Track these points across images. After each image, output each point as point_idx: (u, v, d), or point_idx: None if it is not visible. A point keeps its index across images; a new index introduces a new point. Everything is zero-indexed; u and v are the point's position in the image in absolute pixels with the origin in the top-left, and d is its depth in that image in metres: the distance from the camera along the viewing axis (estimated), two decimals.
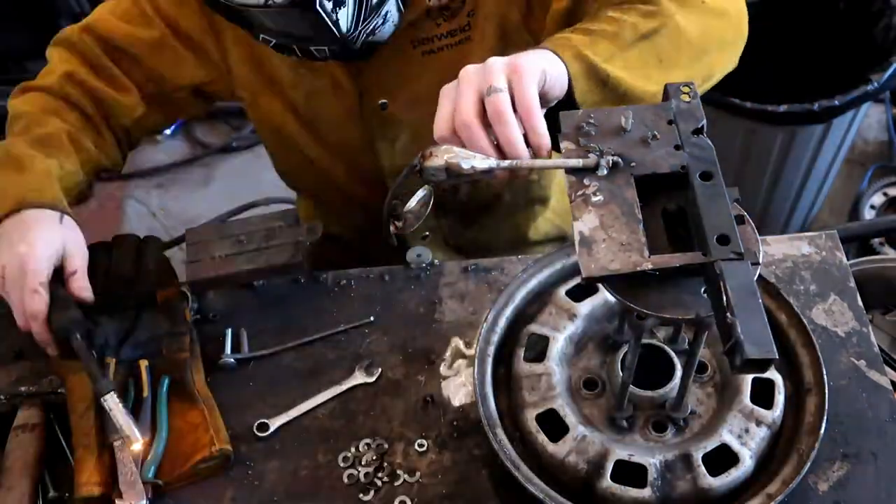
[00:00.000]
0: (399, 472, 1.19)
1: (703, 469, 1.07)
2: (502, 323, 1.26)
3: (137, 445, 1.16)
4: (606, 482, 1.07)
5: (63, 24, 3.14)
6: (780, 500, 1.05)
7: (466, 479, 1.18)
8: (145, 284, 1.33)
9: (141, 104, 1.43)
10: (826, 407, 1.12)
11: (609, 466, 1.08)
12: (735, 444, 1.10)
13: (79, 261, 1.26)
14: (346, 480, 1.19)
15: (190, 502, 1.17)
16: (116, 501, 1.14)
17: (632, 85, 1.09)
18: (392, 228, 1.27)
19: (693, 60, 1.16)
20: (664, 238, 0.92)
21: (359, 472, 1.19)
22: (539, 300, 1.29)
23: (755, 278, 0.84)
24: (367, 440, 1.22)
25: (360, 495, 1.17)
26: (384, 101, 1.39)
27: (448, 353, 1.30)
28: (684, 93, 0.99)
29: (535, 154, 1.01)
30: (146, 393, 1.23)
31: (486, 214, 1.64)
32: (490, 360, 1.22)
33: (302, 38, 1.22)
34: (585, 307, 1.24)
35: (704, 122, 0.96)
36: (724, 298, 0.81)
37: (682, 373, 1.12)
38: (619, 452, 1.09)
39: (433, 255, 1.43)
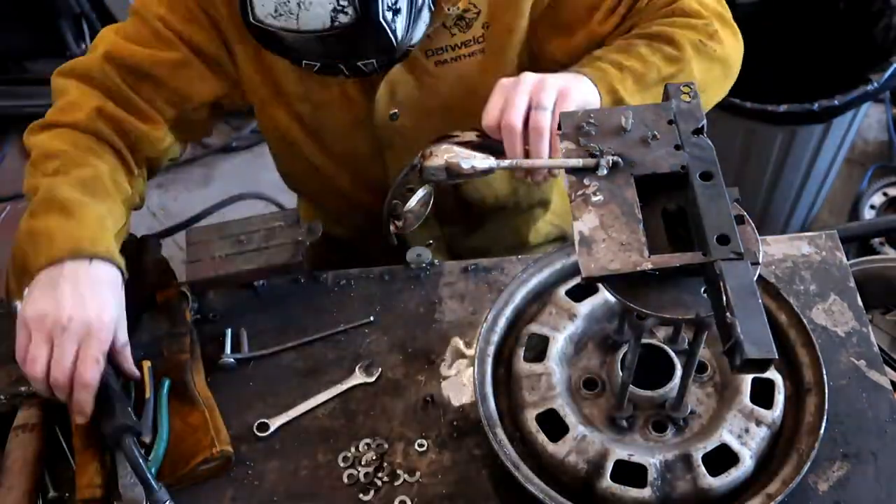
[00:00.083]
0: (399, 472, 1.19)
1: (703, 469, 1.07)
2: (502, 323, 1.26)
3: None
4: (606, 482, 1.07)
5: (63, 24, 3.16)
6: (780, 500, 1.05)
7: (466, 479, 1.18)
8: (145, 285, 1.33)
9: (168, 134, 1.38)
10: (826, 407, 1.12)
11: (609, 466, 1.08)
12: (735, 444, 1.10)
13: (125, 333, 1.20)
14: (346, 480, 1.19)
15: (190, 502, 1.17)
16: None
17: None
18: (392, 228, 1.28)
19: None
20: (664, 238, 0.93)
21: (359, 472, 1.19)
22: (539, 300, 1.29)
23: (755, 278, 0.84)
24: (367, 440, 1.22)
25: (360, 495, 1.17)
26: (395, 111, 1.39)
27: (448, 353, 1.30)
28: (684, 93, 0.99)
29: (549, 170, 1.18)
30: (148, 394, 1.23)
31: (489, 221, 1.64)
32: (490, 360, 1.22)
33: (351, 55, 1.20)
34: (585, 307, 1.24)
35: (704, 122, 0.96)
36: (724, 298, 0.82)
37: (682, 373, 1.12)
38: (619, 452, 1.09)
39: (445, 263, 1.43)
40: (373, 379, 1.29)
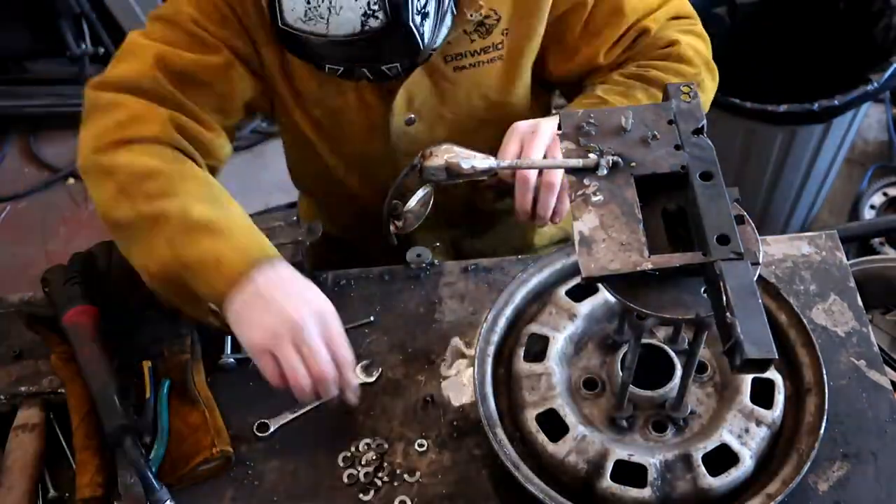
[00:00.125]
0: (399, 472, 1.19)
1: (703, 469, 1.07)
2: (502, 323, 1.26)
3: None
4: (606, 482, 1.07)
5: (63, 24, 3.15)
6: (780, 500, 1.05)
7: (466, 479, 1.18)
8: (146, 285, 1.33)
9: (227, 142, 1.36)
10: (826, 407, 1.12)
11: (609, 466, 1.08)
12: (735, 444, 1.10)
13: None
14: (346, 480, 1.19)
15: (190, 502, 1.17)
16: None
17: None
18: (392, 228, 1.28)
19: None
20: (664, 238, 0.92)
21: (359, 472, 1.19)
22: (539, 300, 1.29)
23: (755, 278, 0.84)
24: (367, 440, 1.22)
25: (360, 495, 1.17)
26: (411, 116, 1.39)
27: (448, 353, 1.30)
28: (684, 93, 0.99)
29: (550, 219, 1.25)
30: (148, 395, 1.23)
31: (497, 224, 1.64)
32: (490, 360, 1.22)
33: (377, 59, 1.20)
34: (585, 307, 1.24)
35: (704, 122, 0.96)
36: (724, 298, 0.81)
37: (682, 373, 1.12)
38: (619, 452, 1.09)
39: (445, 263, 1.43)
40: (373, 379, 1.29)
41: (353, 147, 1.46)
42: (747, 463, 1.09)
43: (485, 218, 1.62)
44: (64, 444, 1.24)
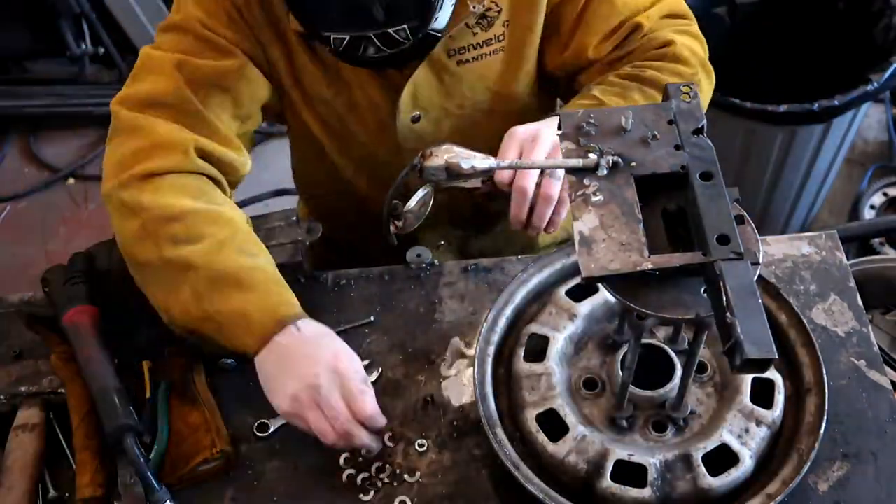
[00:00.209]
0: (399, 472, 1.19)
1: (703, 469, 1.07)
2: (502, 323, 1.26)
3: None
4: (606, 482, 1.07)
5: (63, 24, 3.16)
6: (780, 500, 1.05)
7: (466, 479, 1.18)
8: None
9: (249, 159, 1.35)
10: (826, 407, 1.12)
11: (609, 466, 1.08)
12: (735, 444, 1.10)
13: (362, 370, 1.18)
14: (345, 480, 1.19)
15: (190, 502, 1.17)
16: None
17: None
18: (392, 228, 1.28)
19: None
20: (664, 238, 0.92)
21: (358, 472, 1.19)
22: (539, 300, 1.29)
23: (755, 278, 0.84)
24: None
25: (360, 495, 1.17)
26: (417, 113, 1.39)
27: (448, 353, 1.30)
28: (684, 93, 0.99)
29: (545, 229, 1.24)
30: (148, 395, 1.23)
31: (501, 224, 1.64)
32: (490, 360, 1.22)
33: (389, 16, 1.17)
34: (585, 307, 1.24)
35: (704, 122, 0.96)
36: (724, 298, 0.81)
37: (682, 373, 1.12)
38: (619, 452, 1.09)
39: (439, 261, 1.43)
40: (373, 379, 1.29)
41: (361, 147, 1.46)
42: (747, 463, 1.09)
43: (490, 218, 1.62)
44: (64, 444, 1.24)
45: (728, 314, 0.80)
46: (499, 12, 1.32)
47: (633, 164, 0.94)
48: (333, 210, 1.68)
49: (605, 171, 0.94)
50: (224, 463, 1.20)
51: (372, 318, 1.36)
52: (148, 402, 1.23)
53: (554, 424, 1.13)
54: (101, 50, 3.24)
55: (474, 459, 1.19)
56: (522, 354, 1.20)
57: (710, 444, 1.09)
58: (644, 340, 1.10)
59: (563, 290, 1.26)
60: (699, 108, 0.98)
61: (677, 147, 0.95)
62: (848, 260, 1.38)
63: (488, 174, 1.21)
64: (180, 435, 1.21)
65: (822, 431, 1.10)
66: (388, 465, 1.19)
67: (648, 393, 1.15)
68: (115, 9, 3.16)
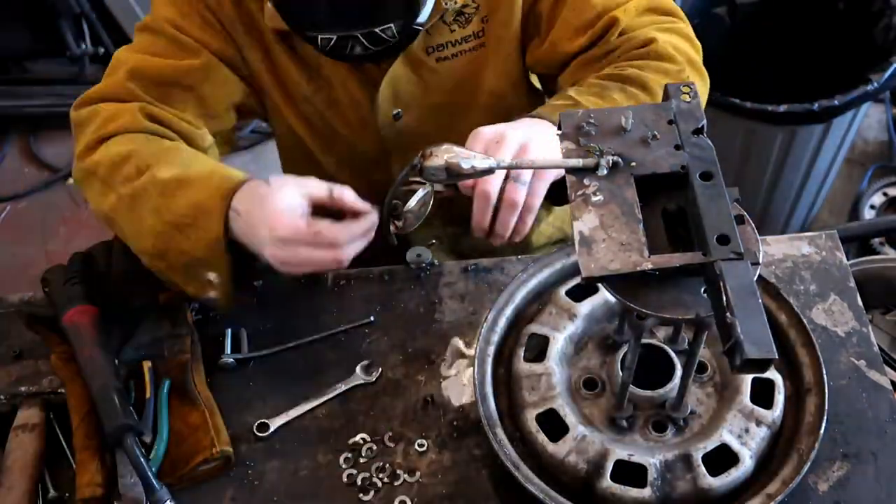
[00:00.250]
0: (399, 472, 1.19)
1: (703, 469, 1.07)
2: (502, 323, 1.26)
3: None
4: (606, 482, 1.07)
5: (63, 24, 3.16)
6: (780, 500, 1.05)
7: (466, 479, 1.18)
8: (146, 285, 1.33)
9: (209, 134, 1.37)
10: (826, 407, 1.12)
11: (609, 466, 1.08)
12: (735, 444, 1.10)
13: (319, 183, 1.17)
14: (345, 480, 1.19)
15: (190, 502, 1.17)
16: None
17: None
18: (392, 228, 1.28)
19: None
20: (664, 238, 0.92)
21: (359, 472, 1.19)
22: (539, 300, 1.29)
23: (755, 278, 0.84)
24: (368, 440, 1.22)
25: (360, 495, 1.17)
26: (398, 111, 1.39)
27: (448, 353, 1.30)
28: (684, 93, 0.98)
29: (510, 238, 1.19)
30: (148, 395, 1.23)
31: None
32: (490, 360, 1.22)
33: (374, 14, 1.18)
34: (585, 307, 1.24)
35: (704, 122, 0.96)
36: (724, 298, 0.81)
37: (682, 373, 1.12)
38: (619, 452, 1.09)
39: (438, 261, 1.43)
40: (373, 379, 1.29)
41: (344, 145, 1.46)
42: (747, 463, 1.09)
43: None
44: (64, 444, 1.24)
45: (728, 314, 0.80)
46: (476, 8, 1.32)
47: (633, 164, 0.94)
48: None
49: (605, 171, 0.93)
50: (224, 463, 1.20)
51: (372, 318, 1.36)
52: (148, 402, 1.23)
53: (554, 424, 1.13)
54: (101, 50, 3.24)
55: (474, 459, 1.19)
56: (522, 354, 1.20)
57: (710, 444, 1.09)
58: (644, 340, 1.10)
59: (563, 290, 1.26)
60: (699, 107, 0.98)
61: (677, 147, 0.95)
62: (848, 260, 1.38)
63: (488, 174, 1.20)
64: (180, 435, 1.21)
65: (822, 431, 1.10)
66: (388, 465, 1.19)
67: (648, 393, 1.15)
68: (115, 9, 3.16)
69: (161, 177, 1.19)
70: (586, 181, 0.94)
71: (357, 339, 1.34)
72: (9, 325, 1.37)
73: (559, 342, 1.21)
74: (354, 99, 1.38)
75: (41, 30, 3.24)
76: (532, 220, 1.16)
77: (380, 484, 1.18)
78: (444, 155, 1.08)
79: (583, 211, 0.91)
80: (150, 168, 1.21)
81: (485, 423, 1.13)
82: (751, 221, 0.93)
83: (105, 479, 1.16)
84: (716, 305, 0.84)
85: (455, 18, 1.32)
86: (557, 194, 1.19)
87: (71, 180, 3.25)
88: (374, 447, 1.21)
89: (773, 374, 1.16)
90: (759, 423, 1.12)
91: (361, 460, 1.20)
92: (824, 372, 1.16)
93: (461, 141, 1.22)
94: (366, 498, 1.17)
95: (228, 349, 1.32)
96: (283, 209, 1.12)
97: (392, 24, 1.19)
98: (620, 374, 1.14)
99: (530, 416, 1.14)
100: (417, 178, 1.11)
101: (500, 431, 1.13)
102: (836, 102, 2.21)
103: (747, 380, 1.15)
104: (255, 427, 1.24)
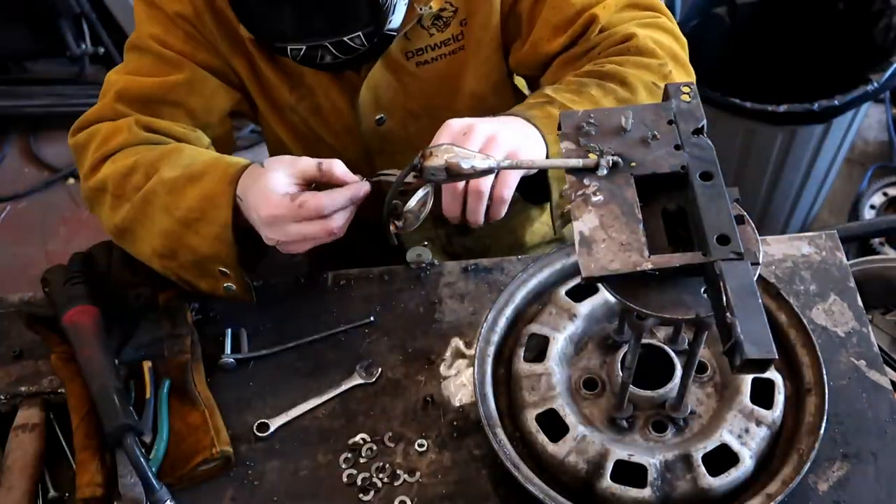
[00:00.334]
0: (399, 472, 1.19)
1: (703, 469, 1.07)
2: (502, 323, 1.26)
3: None
4: (606, 482, 1.07)
5: (63, 24, 3.15)
6: (780, 500, 1.05)
7: (466, 479, 1.18)
8: (146, 285, 1.33)
9: (205, 136, 1.38)
10: (826, 407, 1.12)
11: (609, 466, 1.08)
12: (735, 444, 1.10)
13: (309, 160, 1.18)
14: (345, 480, 1.19)
15: (190, 502, 1.17)
16: None
17: None
18: (392, 228, 1.28)
19: None
20: (664, 238, 0.92)
21: (359, 472, 1.19)
22: (539, 300, 1.29)
23: (755, 278, 0.84)
24: (368, 440, 1.22)
25: (360, 495, 1.17)
26: (381, 116, 1.39)
27: (448, 353, 1.30)
28: (684, 93, 0.99)
29: (486, 221, 1.17)
30: (149, 395, 1.23)
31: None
32: (490, 360, 1.22)
33: (339, 25, 1.19)
34: (585, 307, 1.24)
35: (704, 122, 0.96)
36: (724, 298, 0.81)
37: (682, 373, 1.12)
38: (619, 452, 1.09)
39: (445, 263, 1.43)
40: (373, 379, 1.29)
41: (330, 151, 1.46)
42: (747, 463, 1.09)
43: None
44: (64, 444, 1.24)
45: (728, 314, 0.80)
46: (454, 12, 1.32)
47: (633, 164, 0.94)
48: None
49: (605, 171, 0.93)
50: (224, 463, 1.20)
51: (372, 318, 1.36)
52: (148, 402, 1.23)
53: (554, 424, 1.13)
54: (101, 50, 3.24)
55: (474, 459, 1.19)
56: (522, 354, 1.20)
57: (710, 444, 1.09)
58: (644, 340, 1.10)
59: (563, 290, 1.26)
60: (699, 107, 0.98)
61: (677, 147, 0.95)
62: (848, 260, 1.38)
63: (489, 174, 1.20)
64: (180, 435, 1.21)
65: (822, 431, 1.10)
66: (388, 465, 1.19)
67: (648, 393, 1.15)
68: (115, 9, 3.16)
69: (168, 176, 1.22)
70: (586, 181, 0.94)
71: (357, 339, 1.34)
72: (9, 325, 1.37)
73: (559, 342, 1.21)
74: (337, 106, 1.39)
75: (41, 30, 3.23)
76: (504, 209, 1.15)
77: (380, 484, 1.18)
78: (444, 155, 1.07)
79: (583, 211, 0.91)
80: (158, 171, 1.23)
81: (485, 423, 1.13)
82: (751, 221, 0.93)
83: (105, 479, 1.16)
84: (716, 305, 0.84)
85: (433, 22, 1.32)
86: (529, 191, 1.21)
87: (71, 180, 3.25)
88: (374, 447, 1.21)
89: (773, 374, 1.16)
90: (759, 423, 1.12)
91: (361, 460, 1.20)
92: (824, 372, 1.16)
93: None
94: (366, 498, 1.17)
95: (228, 349, 1.32)
96: (269, 190, 1.14)
97: (360, 33, 1.21)
98: (620, 374, 1.14)
99: (530, 416, 1.14)
100: (417, 178, 1.11)
101: (500, 431, 1.13)
102: (836, 102, 2.21)
103: (747, 380, 1.15)
104: (255, 427, 1.24)
